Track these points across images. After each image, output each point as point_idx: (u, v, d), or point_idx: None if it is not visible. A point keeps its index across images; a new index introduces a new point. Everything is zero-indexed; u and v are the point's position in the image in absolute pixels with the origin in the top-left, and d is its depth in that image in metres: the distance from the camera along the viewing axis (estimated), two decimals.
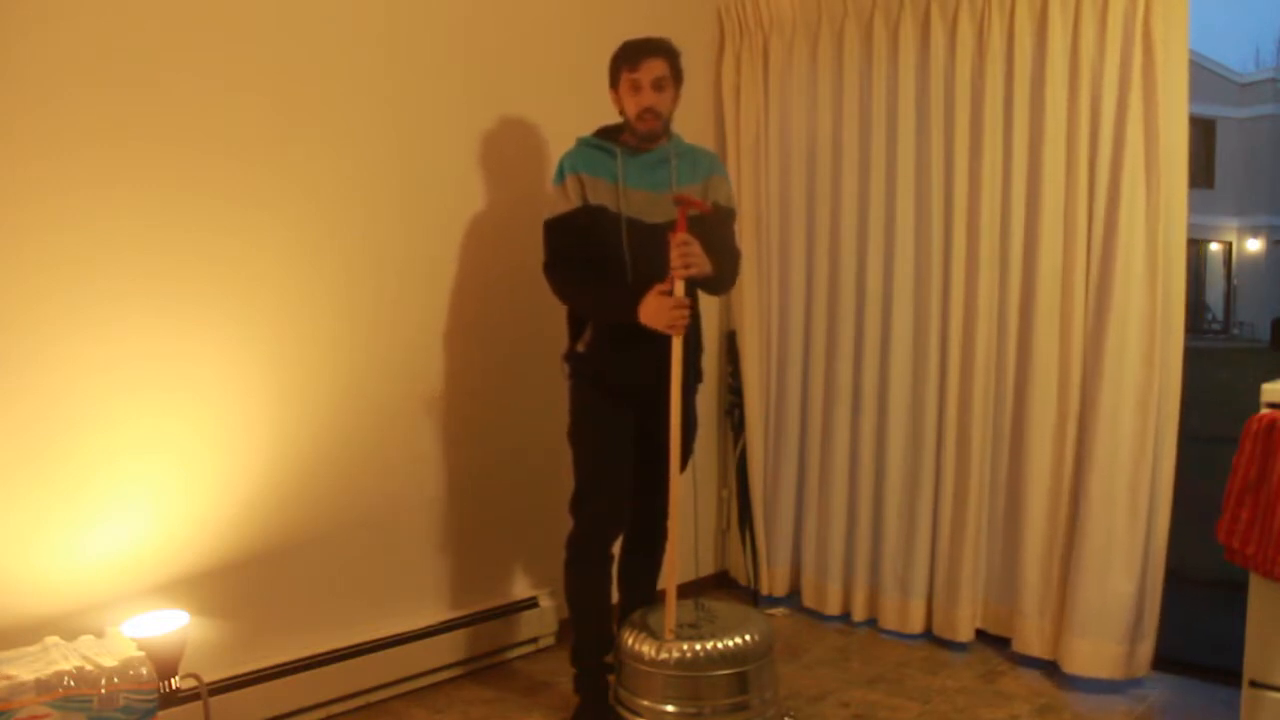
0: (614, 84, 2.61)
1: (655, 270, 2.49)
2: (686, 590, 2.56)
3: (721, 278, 2.63)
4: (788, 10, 3.57)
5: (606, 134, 2.66)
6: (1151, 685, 2.94)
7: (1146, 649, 2.90)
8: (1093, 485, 2.91)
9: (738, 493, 3.80)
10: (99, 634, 2.23)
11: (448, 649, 2.99)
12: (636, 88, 2.54)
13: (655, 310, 2.46)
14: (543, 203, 2.71)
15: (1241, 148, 23.89)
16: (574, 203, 2.55)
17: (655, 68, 2.54)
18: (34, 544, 2.25)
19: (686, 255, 2.45)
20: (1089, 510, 2.91)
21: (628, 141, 2.61)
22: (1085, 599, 2.91)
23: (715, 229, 2.63)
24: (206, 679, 2.40)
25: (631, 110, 2.57)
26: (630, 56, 2.55)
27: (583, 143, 2.64)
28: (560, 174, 2.60)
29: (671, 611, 2.43)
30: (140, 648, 2.14)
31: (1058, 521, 3.03)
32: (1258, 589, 2.34)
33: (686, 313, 2.47)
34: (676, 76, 2.60)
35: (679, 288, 2.46)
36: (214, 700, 2.42)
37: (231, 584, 2.57)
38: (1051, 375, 3.04)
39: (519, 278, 3.05)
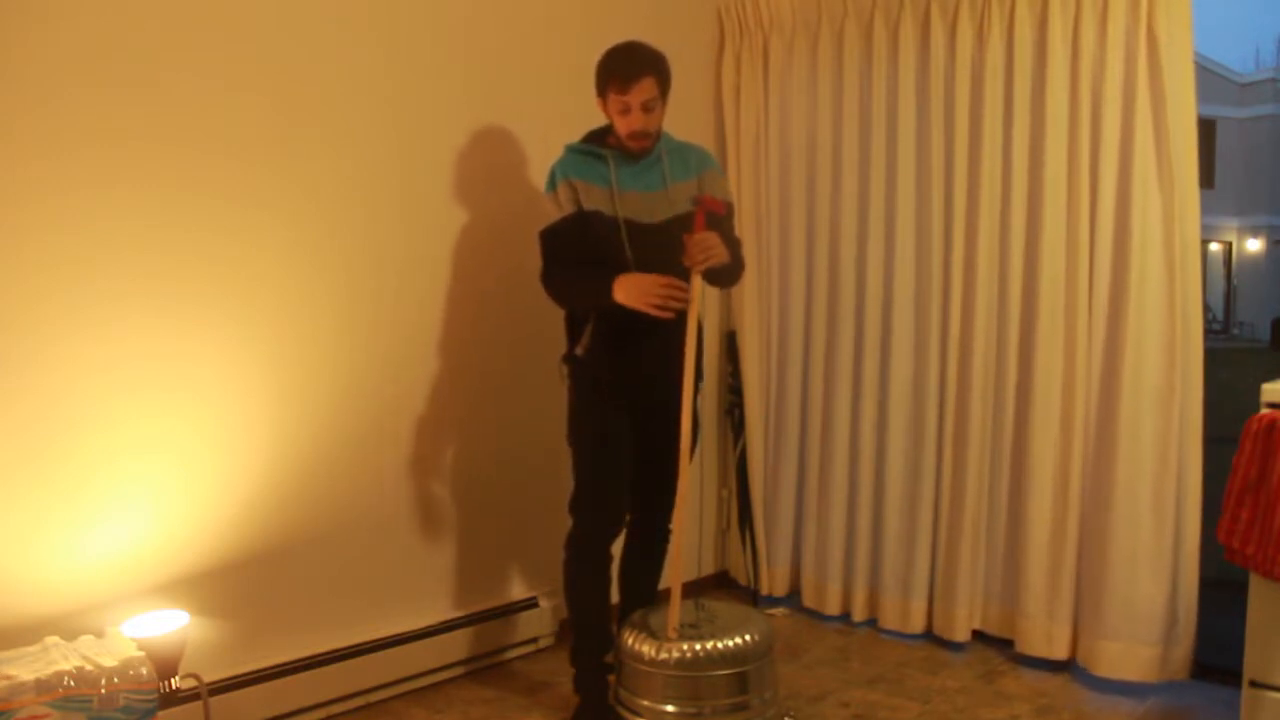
0: (601, 94, 2.55)
1: (658, 269, 2.48)
2: (686, 590, 2.55)
3: (732, 268, 2.64)
4: (788, 10, 3.56)
5: (595, 138, 2.64)
6: (1152, 685, 2.93)
7: (1183, 652, 2.87)
8: (1116, 489, 2.89)
9: (738, 493, 3.80)
10: (99, 634, 2.23)
11: (448, 649, 2.99)
12: (626, 110, 2.50)
13: (635, 288, 2.42)
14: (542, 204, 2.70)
15: (1241, 148, 23.91)
16: (568, 209, 2.54)
17: (645, 89, 2.48)
18: (34, 544, 2.25)
19: (706, 249, 2.45)
20: (1113, 513, 2.90)
21: (616, 145, 2.60)
22: (1112, 602, 2.90)
23: (720, 224, 2.63)
24: (206, 679, 2.40)
25: (622, 130, 2.53)
26: (619, 79, 2.48)
27: (572, 149, 2.62)
28: (552, 181, 2.58)
29: (675, 610, 2.43)
30: (140, 648, 2.14)
31: (1065, 524, 3.02)
32: (1258, 589, 2.35)
33: (676, 292, 2.43)
34: (665, 90, 2.55)
35: (696, 281, 2.46)
36: (214, 700, 2.42)
37: (231, 584, 2.57)
38: (1055, 377, 3.03)
39: (519, 278, 3.04)
